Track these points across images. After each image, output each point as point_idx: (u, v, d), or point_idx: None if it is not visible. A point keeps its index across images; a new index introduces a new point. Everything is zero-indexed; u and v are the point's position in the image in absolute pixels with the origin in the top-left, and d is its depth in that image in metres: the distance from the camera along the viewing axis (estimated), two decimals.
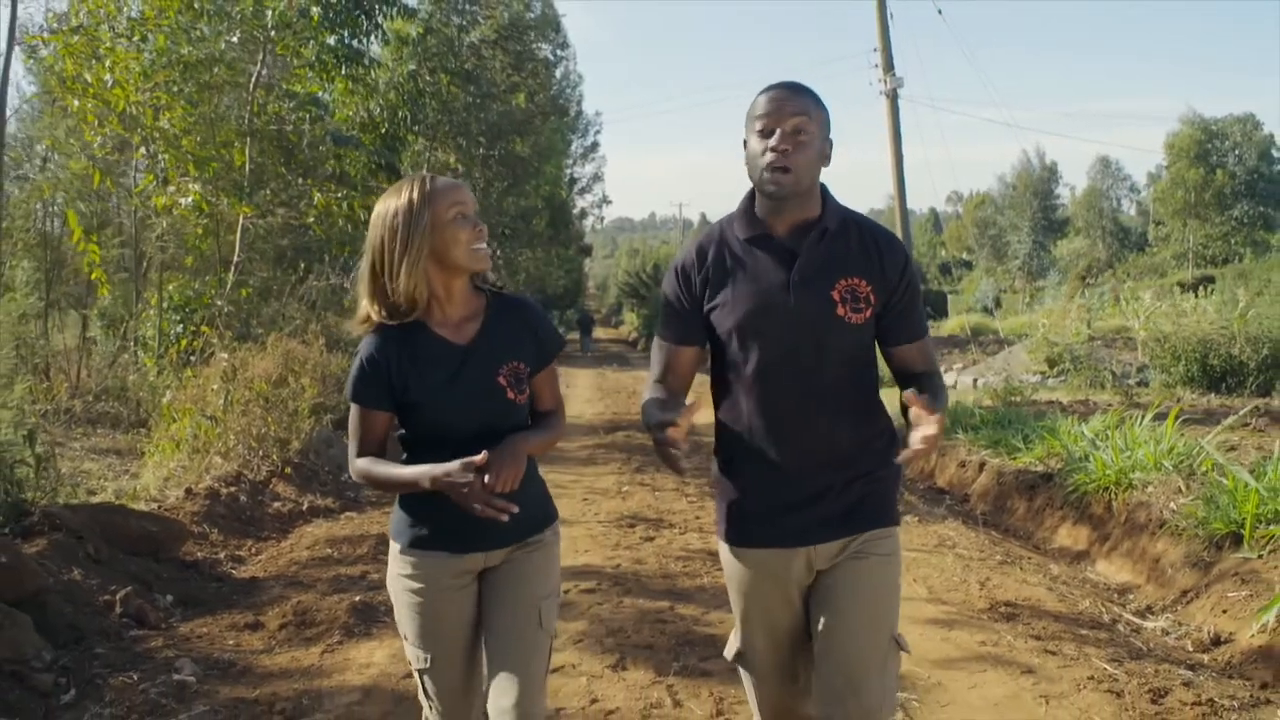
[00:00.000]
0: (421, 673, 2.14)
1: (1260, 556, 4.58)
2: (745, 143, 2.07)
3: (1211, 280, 27.06)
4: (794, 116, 1.99)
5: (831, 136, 2.07)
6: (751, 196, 2.13)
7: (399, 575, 2.14)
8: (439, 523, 2.09)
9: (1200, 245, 40.64)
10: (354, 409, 2.13)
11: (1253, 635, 4.03)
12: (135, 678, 3.65)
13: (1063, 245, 48.31)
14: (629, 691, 3.58)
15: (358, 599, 4.55)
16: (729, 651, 2.28)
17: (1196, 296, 17.19)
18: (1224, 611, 4.39)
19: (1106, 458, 6.34)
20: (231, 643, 4.13)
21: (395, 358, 2.08)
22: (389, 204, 2.05)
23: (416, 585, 2.12)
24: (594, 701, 3.48)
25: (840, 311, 2.03)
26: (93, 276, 7.42)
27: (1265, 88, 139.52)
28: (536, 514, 2.17)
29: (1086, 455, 6.64)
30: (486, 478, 1.94)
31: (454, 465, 1.94)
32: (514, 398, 2.10)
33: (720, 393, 2.17)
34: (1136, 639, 4.32)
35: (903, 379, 2.16)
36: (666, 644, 4.07)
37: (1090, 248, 47.29)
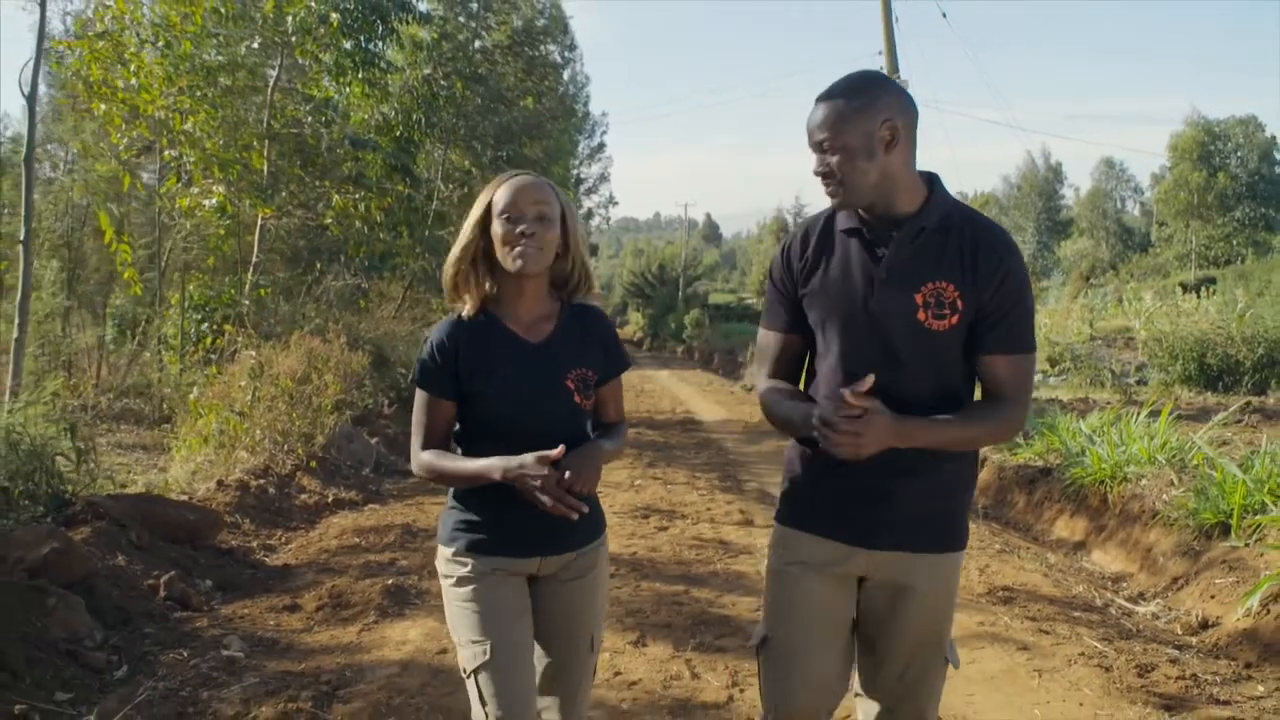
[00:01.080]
0: (477, 671, 2.02)
1: (1247, 545, 4.81)
2: None
3: (1213, 281, 27.25)
4: (820, 137, 1.94)
5: (893, 119, 1.90)
6: None
7: (451, 575, 2.10)
8: (497, 528, 2.07)
9: (1202, 246, 40.83)
10: (419, 396, 2.11)
11: (1238, 619, 4.26)
12: (185, 654, 3.88)
13: (1067, 245, 48.44)
14: (650, 665, 3.82)
15: (390, 582, 4.79)
16: (754, 639, 2.19)
17: (1198, 297, 17.42)
18: (1212, 597, 4.61)
19: (1103, 452, 6.56)
20: (272, 623, 4.37)
21: (465, 346, 2.07)
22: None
23: (470, 575, 2.07)
24: (617, 674, 3.72)
25: (921, 316, 1.92)
26: (125, 276, 7.65)
27: (1269, 88, 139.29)
28: (595, 520, 2.17)
29: (1084, 450, 6.86)
30: (567, 474, 1.93)
31: (528, 458, 1.92)
32: (580, 402, 2.09)
33: (809, 377, 2.14)
34: (1127, 621, 4.56)
35: (984, 395, 2.01)
36: (683, 623, 4.31)
37: (1094, 248, 47.43)
